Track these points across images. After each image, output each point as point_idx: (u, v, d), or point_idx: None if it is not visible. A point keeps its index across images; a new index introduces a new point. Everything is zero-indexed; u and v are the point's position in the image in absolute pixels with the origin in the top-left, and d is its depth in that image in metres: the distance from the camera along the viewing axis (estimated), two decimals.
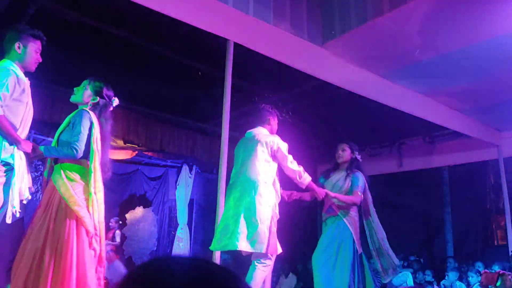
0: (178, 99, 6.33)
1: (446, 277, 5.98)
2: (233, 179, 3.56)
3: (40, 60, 2.81)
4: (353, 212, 4.05)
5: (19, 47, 2.73)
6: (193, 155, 7.00)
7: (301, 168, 3.63)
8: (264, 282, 3.60)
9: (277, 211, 3.48)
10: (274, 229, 3.42)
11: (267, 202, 3.37)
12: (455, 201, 7.75)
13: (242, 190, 3.39)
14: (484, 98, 5.50)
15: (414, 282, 6.37)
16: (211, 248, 3.37)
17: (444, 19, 3.73)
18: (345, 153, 4.25)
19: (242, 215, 3.26)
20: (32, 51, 2.76)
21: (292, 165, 3.58)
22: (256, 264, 3.33)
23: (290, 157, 3.59)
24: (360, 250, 3.98)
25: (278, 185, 3.61)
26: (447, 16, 3.69)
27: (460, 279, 5.88)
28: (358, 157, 4.29)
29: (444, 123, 5.87)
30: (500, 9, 3.54)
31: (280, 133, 3.81)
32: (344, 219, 3.99)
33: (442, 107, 5.68)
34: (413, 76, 4.95)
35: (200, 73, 5.83)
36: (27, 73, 2.81)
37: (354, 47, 4.33)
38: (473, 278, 5.50)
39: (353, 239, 3.93)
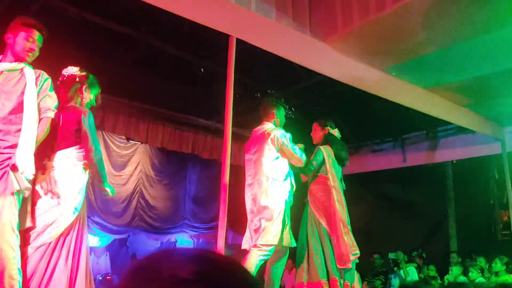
0: (180, 95, 6.33)
1: (450, 272, 5.98)
2: (249, 180, 3.66)
3: (33, 49, 2.67)
4: (320, 192, 3.86)
5: (9, 38, 2.65)
6: (196, 151, 6.99)
7: (300, 155, 3.65)
8: (274, 278, 3.63)
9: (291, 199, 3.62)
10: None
11: (277, 200, 3.46)
12: (458, 196, 7.73)
13: (257, 192, 3.51)
14: (487, 93, 5.47)
15: (418, 276, 6.38)
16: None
17: (447, 13, 3.71)
18: (316, 132, 4.08)
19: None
20: (20, 39, 2.64)
21: (295, 157, 3.62)
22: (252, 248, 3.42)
23: (292, 150, 3.61)
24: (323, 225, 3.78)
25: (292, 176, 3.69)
26: (449, 10, 3.67)
27: (464, 273, 5.87)
28: (332, 131, 4.06)
29: (448, 118, 5.85)
30: (503, 3, 3.52)
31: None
32: (310, 203, 3.87)
33: (445, 102, 5.65)
34: (416, 71, 4.93)
35: (202, 69, 5.82)
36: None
37: (357, 42, 4.31)
38: (474, 274, 5.47)
39: (315, 217, 3.79)
